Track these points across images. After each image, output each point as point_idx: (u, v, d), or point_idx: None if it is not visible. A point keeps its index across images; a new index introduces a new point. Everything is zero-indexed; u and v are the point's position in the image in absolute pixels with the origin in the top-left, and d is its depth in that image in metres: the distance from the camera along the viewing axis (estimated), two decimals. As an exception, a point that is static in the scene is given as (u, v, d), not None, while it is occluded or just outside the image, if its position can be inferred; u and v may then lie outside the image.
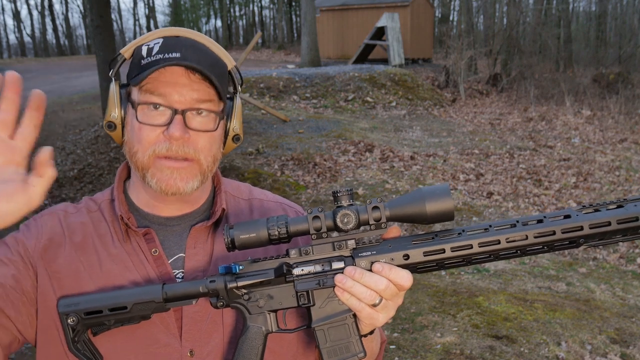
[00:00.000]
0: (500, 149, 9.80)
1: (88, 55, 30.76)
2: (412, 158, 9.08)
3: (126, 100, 1.12)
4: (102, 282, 1.12)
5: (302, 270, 1.04)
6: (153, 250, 1.15)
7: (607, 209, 0.99)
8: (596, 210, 0.99)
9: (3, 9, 67.37)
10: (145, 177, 1.11)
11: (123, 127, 1.13)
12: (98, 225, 1.18)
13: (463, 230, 1.02)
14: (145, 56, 1.08)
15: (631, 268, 5.55)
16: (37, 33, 48.89)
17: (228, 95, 1.18)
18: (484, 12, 24.53)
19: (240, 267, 1.05)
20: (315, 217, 1.02)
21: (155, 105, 1.08)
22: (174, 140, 1.07)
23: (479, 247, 1.00)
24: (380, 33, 20.32)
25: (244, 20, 51.35)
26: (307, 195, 7.38)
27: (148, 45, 1.10)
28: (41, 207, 1.08)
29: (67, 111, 12.95)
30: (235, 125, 1.18)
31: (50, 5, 45.23)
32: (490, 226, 1.01)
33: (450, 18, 32.53)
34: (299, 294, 1.05)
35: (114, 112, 1.11)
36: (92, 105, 13.35)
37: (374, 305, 1.01)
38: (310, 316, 1.06)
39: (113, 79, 1.13)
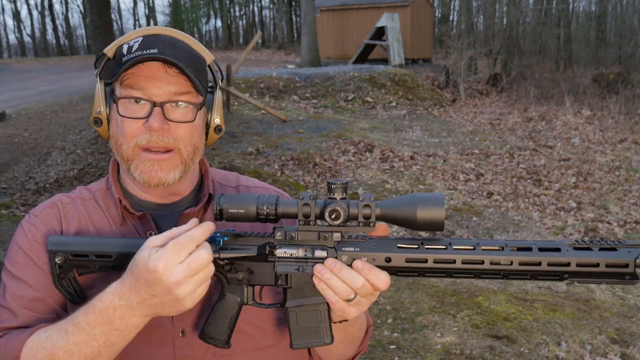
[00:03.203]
0: (500, 149, 9.80)
1: (88, 55, 30.76)
2: (412, 158, 9.08)
3: (110, 97, 1.18)
4: None
5: (285, 252, 1.06)
6: (149, 232, 1.20)
7: (599, 249, 0.97)
8: (587, 249, 0.97)
9: (3, 9, 67.39)
10: (129, 168, 1.16)
11: (109, 122, 1.19)
12: (92, 212, 1.24)
13: (450, 244, 1.01)
14: (125, 54, 1.14)
15: (631, 268, 5.54)
16: (37, 33, 48.92)
17: (209, 89, 1.24)
18: (484, 12, 24.52)
19: (225, 239, 1.06)
20: (305, 205, 1.02)
21: (137, 100, 1.13)
22: (154, 132, 1.12)
23: (462, 264, 0.99)
24: (380, 33, 20.31)
25: (244, 20, 51.36)
26: (307, 195, 7.38)
27: (128, 43, 1.15)
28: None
29: (67, 111, 12.95)
30: (216, 116, 1.23)
31: (50, 5, 45.24)
32: (477, 244, 1.00)
33: (450, 18, 32.53)
34: (277, 275, 1.07)
35: (99, 109, 1.18)
36: (92, 105, 13.32)
37: (348, 300, 1.02)
38: (285, 296, 1.08)
39: (98, 77, 1.19)
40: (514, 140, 10.72)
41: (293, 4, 42.83)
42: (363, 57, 20.94)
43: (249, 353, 1.20)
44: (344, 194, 1.02)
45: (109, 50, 1.19)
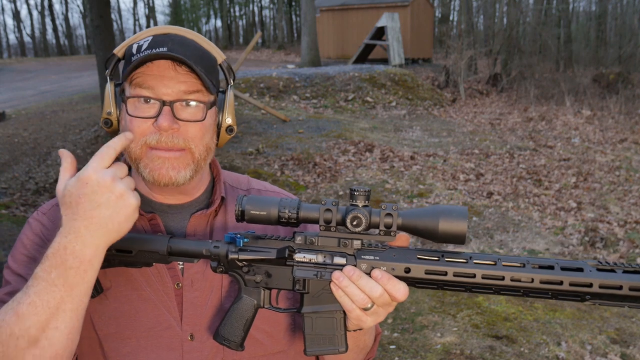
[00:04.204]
0: (500, 149, 9.79)
1: (88, 55, 30.75)
2: (412, 158, 9.08)
3: (120, 97, 1.16)
4: None
5: (304, 257, 1.05)
6: (158, 234, 1.18)
7: (623, 271, 0.94)
8: (611, 270, 0.95)
9: (3, 9, 67.42)
10: (138, 167, 1.14)
11: (119, 123, 1.17)
12: None
13: (470, 257, 0.99)
14: (135, 53, 1.12)
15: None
16: (37, 33, 48.90)
17: (221, 89, 1.22)
18: (484, 12, 24.53)
19: (245, 240, 1.06)
20: (327, 210, 1.02)
21: (146, 99, 1.11)
22: (163, 131, 1.10)
23: (482, 278, 0.98)
24: (380, 33, 20.32)
25: (244, 20, 51.36)
26: (307, 195, 7.38)
27: (138, 43, 1.14)
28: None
29: (67, 111, 12.95)
30: (228, 117, 1.21)
31: (50, 5, 45.21)
32: (499, 259, 0.98)
33: (450, 18, 32.52)
34: (295, 279, 1.06)
35: (110, 110, 1.16)
36: (92, 105, 13.35)
37: (365, 309, 1.01)
38: (302, 302, 1.07)
39: (109, 78, 1.17)
40: (514, 140, 10.72)
41: (293, 4, 42.82)
42: (363, 57, 20.93)
43: (257, 359, 1.19)
44: (366, 202, 1.01)
45: (119, 51, 1.18)
